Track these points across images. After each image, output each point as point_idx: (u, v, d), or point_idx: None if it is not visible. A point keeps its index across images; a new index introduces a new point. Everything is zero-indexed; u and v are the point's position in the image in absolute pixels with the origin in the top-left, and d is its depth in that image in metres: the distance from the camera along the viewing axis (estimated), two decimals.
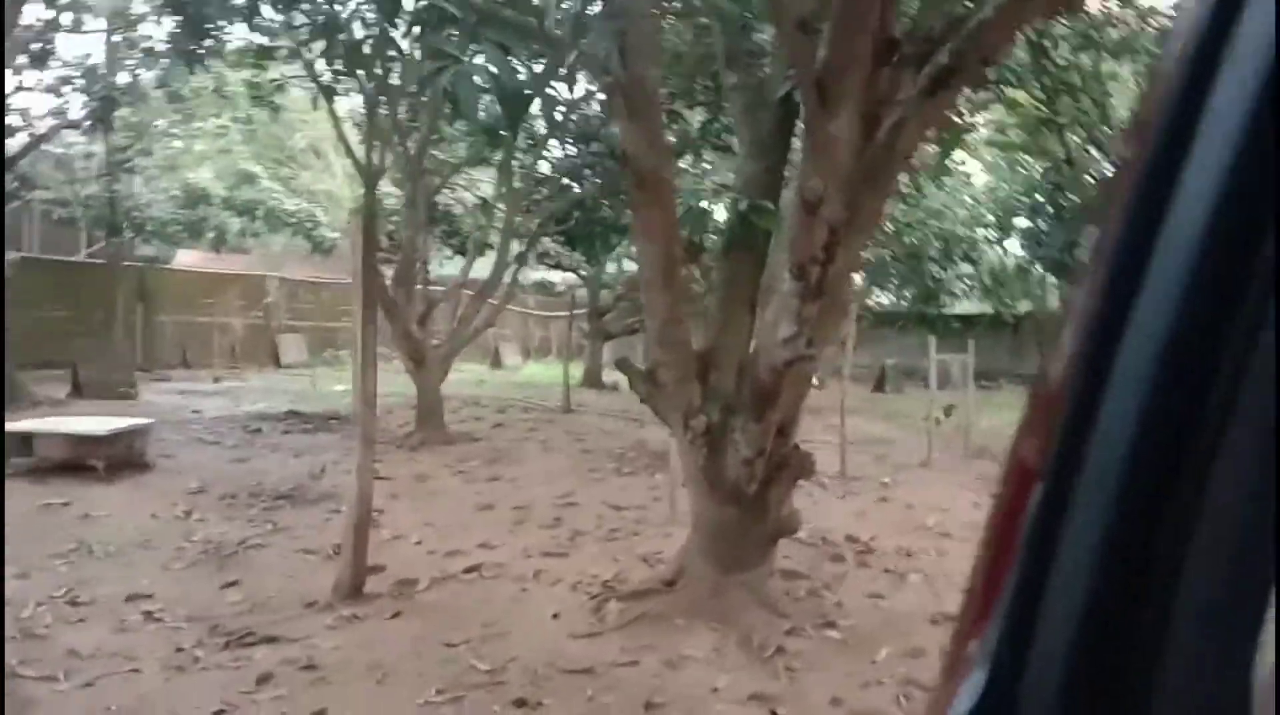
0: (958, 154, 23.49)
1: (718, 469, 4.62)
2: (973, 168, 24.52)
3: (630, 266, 20.82)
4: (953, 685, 0.60)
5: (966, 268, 23.60)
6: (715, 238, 6.21)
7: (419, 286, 10.92)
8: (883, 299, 29.28)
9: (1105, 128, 12.38)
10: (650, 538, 6.34)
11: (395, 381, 12.79)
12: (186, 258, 23.92)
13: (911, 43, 4.02)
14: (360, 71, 6.46)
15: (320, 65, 8.93)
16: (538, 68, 4.35)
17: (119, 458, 7.77)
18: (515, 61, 3.92)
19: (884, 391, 23.82)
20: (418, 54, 4.63)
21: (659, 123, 4.07)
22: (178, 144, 19.47)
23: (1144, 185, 0.54)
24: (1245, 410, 0.47)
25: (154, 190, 18.68)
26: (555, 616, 4.62)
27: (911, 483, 9.24)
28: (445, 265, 17.87)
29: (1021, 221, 19.64)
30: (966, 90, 12.93)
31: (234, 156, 20.16)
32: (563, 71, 3.72)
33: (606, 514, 7.05)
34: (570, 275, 20.92)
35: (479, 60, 3.59)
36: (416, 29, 4.08)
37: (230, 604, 4.67)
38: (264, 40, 7.32)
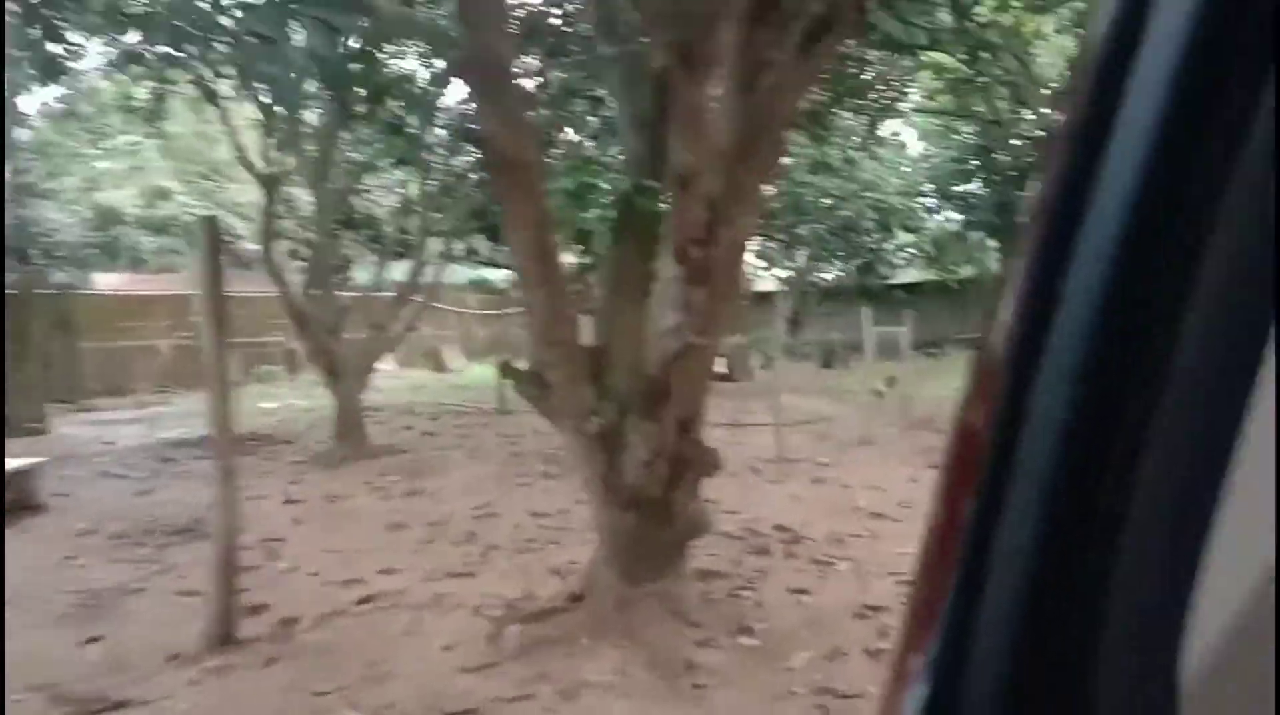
0: (891, 124, 23.43)
1: (615, 473, 4.26)
2: (908, 137, 24.46)
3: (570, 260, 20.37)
4: (898, 699, 0.59)
5: (908, 237, 23.48)
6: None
7: (334, 294, 10.40)
8: (828, 274, 29.20)
9: (1031, 85, 12.19)
10: (569, 546, 5.96)
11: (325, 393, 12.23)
12: (110, 281, 23.04)
13: None
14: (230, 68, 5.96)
15: (204, 70, 8.41)
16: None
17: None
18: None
19: (833, 367, 23.71)
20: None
21: (516, 99, 3.66)
22: (99, 164, 18.67)
23: (1072, 155, 0.53)
24: (1175, 399, 0.47)
25: (69, 214, 17.88)
26: (447, 649, 4.22)
27: (850, 461, 8.97)
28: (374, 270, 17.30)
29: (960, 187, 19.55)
30: (895, 57, 12.60)
31: (148, 173, 19.40)
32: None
33: (525, 523, 6.67)
34: (510, 272, 20.45)
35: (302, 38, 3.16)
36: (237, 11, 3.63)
37: (88, 664, 4.21)
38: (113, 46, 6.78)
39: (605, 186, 4.21)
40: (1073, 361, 0.49)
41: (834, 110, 11.58)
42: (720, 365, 21.25)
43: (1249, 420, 0.46)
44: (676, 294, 3.60)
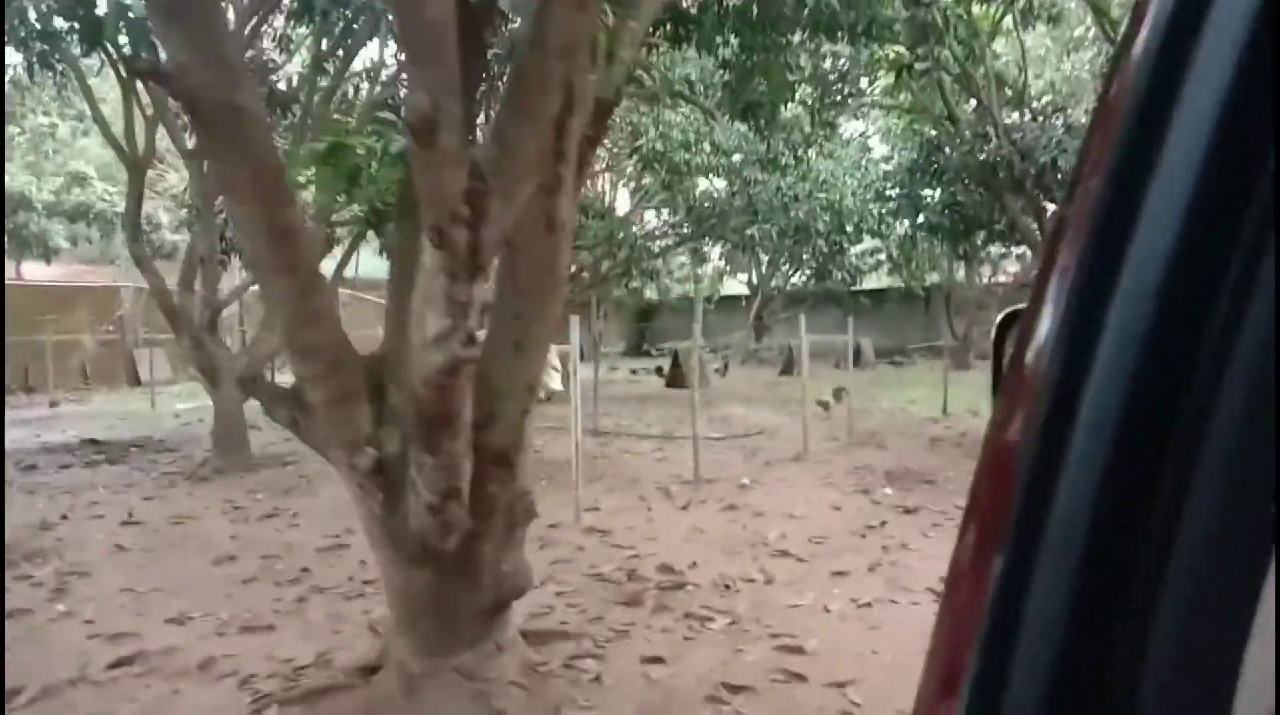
0: (857, 125, 22.61)
1: (397, 520, 3.34)
2: (877, 139, 23.61)
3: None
4: None
5: (872, 242, 22.61)
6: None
7: (215, 289, 9.40)
8: (793, 279, 28.35)
9: (986, 80, 11.36)
10: None
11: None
12: (34, 272, 21.88)
13: None
14: None
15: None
16: None
17: None
18: None
19: (792, 374, 22.87)
20: None
21: (220, 28, 2.74)
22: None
23: (1123, 154, 0.48)
24: (1231, 425, 0.43)
25: None
26: None
27: (775, 482, 8.08)
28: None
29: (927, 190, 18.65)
30: (847, 46, 11.72)
31: (66, 158, 18.31)
32: None
33: (373, 559, 5.72)
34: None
35: None
36: None
37: None
38: None
39: (378, 149, 3.27)
40: (1120, 390, 0.45)
41: (777, 102, 10.69)
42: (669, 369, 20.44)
43: None
44: (438, 291, 2.69)
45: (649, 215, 21.10)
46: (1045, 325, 0.50)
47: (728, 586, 5.03)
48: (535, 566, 5.47)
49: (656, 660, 3.98)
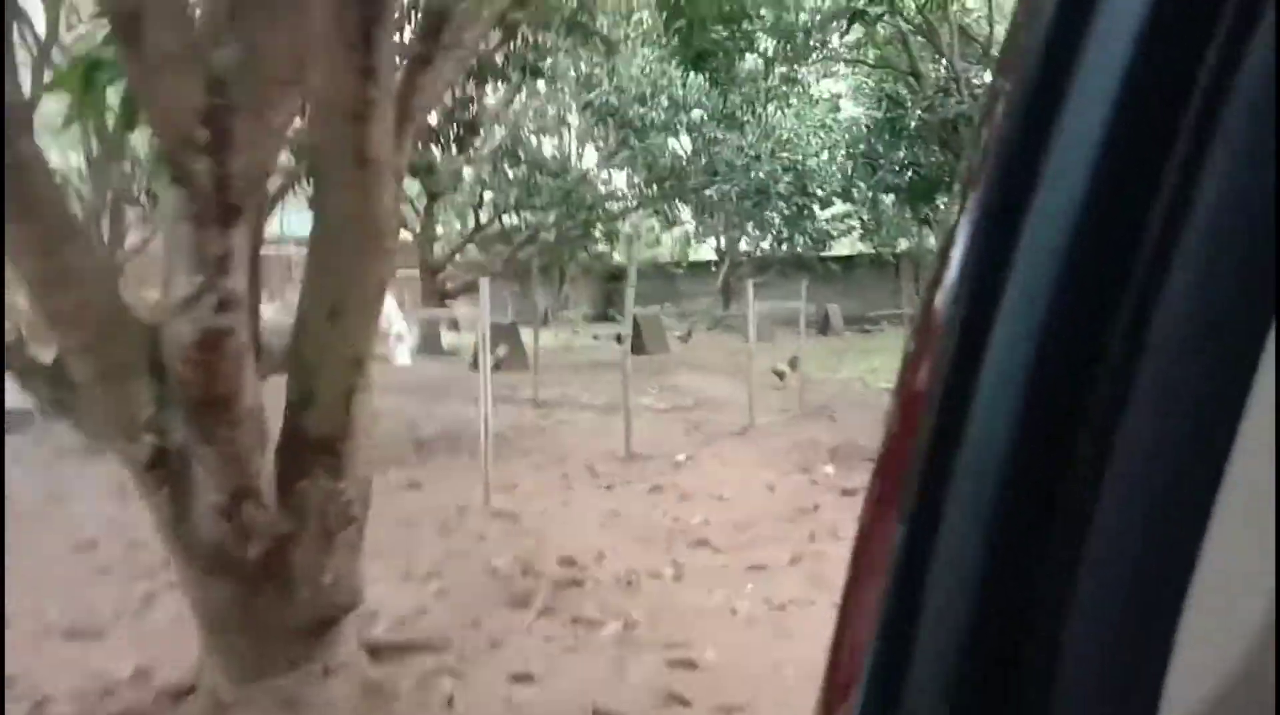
0: (828, 83, 21.93)
1: (187, 523, 2.76)
2: (846, 100, 22.93)
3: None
4: None
5: (843, 207, 22.02)
6: None
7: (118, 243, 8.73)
8: (763, 244, 27.76)
9: (950, 34, 10.77)
10: None
11: None
12: None
13: None
14: None
15: None
16: None
17: None
18: None
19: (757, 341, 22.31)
20: None
21: None
22: None
23: (1026, 104, 0.45)
24: (1155, 385, 0.39)
25: None
26: None
27: (709, 459, 7.56)
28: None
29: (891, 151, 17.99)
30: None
31: None
32: None
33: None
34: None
35: None
36: None
37: None
38: None
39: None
40: (1028, 335, 0.42)
41: (731, 51, 10.06)
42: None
43: (1248, 417, 0.36)
44: (184, 240, 2.10)
45: (615, 175, 20.45)
46: (953, 266, 0.47)
47: (630, 583, 4.51)
48: (426, 557, 4.96)
49: (525, 678, 3.44)
